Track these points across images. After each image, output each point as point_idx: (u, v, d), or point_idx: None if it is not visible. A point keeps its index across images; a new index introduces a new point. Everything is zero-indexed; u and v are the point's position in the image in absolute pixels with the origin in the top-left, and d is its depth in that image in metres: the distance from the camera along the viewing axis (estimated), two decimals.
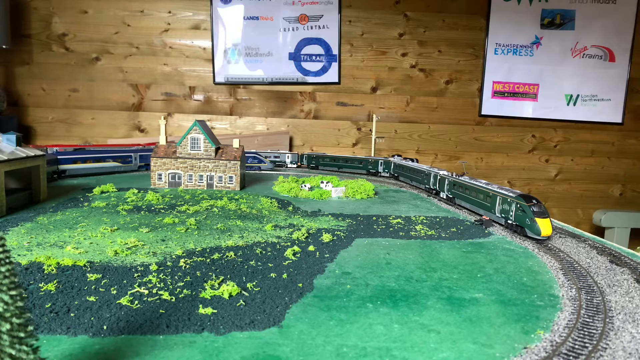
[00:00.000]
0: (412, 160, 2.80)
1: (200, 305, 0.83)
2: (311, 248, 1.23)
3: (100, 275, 0.97)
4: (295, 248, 1.19)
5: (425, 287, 0.99)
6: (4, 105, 3.33)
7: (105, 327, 0.75)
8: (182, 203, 1.79)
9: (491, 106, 3.66)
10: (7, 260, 0.50)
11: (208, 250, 1.19)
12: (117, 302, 0.84)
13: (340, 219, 1.63)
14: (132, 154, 2.76)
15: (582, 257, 1.23)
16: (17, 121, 3.40)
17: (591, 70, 3.59)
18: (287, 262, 1.11)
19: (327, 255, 1.19)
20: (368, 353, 0.71)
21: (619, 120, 3.66)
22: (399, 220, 1.63)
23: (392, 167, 2.79)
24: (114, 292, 0.89)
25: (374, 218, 1.66)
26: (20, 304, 0.50)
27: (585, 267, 1.14)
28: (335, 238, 1.35)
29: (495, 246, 1.34)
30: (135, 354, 0.68)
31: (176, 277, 0.98)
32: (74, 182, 2.30)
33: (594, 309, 0.88)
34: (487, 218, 1.62)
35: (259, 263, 1.10)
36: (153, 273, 1.00)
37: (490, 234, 1.49)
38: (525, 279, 1.07)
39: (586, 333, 0.77)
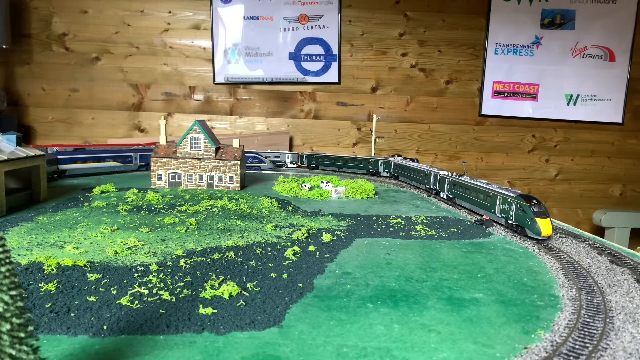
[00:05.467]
0: (412, 160, 2.80)
1: (201, 305, 0.83)
2: (311, 248, 1.23)
3: (100, 275, 0.97)
4: (296, 248, 1.19)
5: (425, 287, 0.99)
6: (4, 105, 3.33)
7: (105, 327, 0.75)
8: (182, 203, 1.79)
9: (491, 106, 3.66)
10: (7, 260, 0.50)
11: (208, 250, 1.19)
12: (117, 302, 0.84)
13: (340, 219, 1.63)
14: (132, 154, 2.76)
15: (582, 257, 1.23)
16: (17, 121, 3.40)
17: (591, 70, 3.59)
18: (287, 262, 1.11)
19: (327, 255, 1.19)
20: (368, 353, 0.71)
21: (619, 120, 3.66)
22: (399, 220, 1.63)
23: (392, 167, 2.79)
24: (114, 292, 0.89)
25: (374, 218, 1.66)
26: (20, 304, 0.50)
27: (585, 267, 1.14)
28: (335, 238, 1.35)
29: (495, 246, 1.34)
30: (136, 354, 0.68)
31: (176, 277, 0.98)
32: (74, 182, 2.30)
33: (594, 309, 0.87)
34: (487, 218, 1.62)
35: (259, 263, 1.10)
36: (153, 273, 1.00)
37: (490, 234, 1.49)
38: (526, 279, 1.07)
39: (586, 333, 0.77)
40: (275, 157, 3.22)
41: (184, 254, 1.14)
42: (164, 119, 2.33)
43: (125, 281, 0.95)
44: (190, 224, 1.42)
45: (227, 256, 1.13)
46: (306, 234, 1.36)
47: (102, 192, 1.95)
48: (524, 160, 3.75)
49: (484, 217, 1.65)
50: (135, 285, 0.92)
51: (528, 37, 3.58)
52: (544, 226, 1.34)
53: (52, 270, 0.98)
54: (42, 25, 3.47)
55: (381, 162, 2.89)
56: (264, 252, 1.19)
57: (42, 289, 0.89)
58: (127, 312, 0.80)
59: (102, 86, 3.56)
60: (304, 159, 3.27)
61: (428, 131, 3.71)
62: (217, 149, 2.21)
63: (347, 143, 3.70)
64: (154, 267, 1.03)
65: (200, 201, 1.82)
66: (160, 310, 0.82)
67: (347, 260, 1.16)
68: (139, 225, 1.42)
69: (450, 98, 3.68)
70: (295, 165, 3.25)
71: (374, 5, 3.58)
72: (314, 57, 3.59)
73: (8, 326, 0.49)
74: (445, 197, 2.05)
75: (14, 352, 0.49)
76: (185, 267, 1.05)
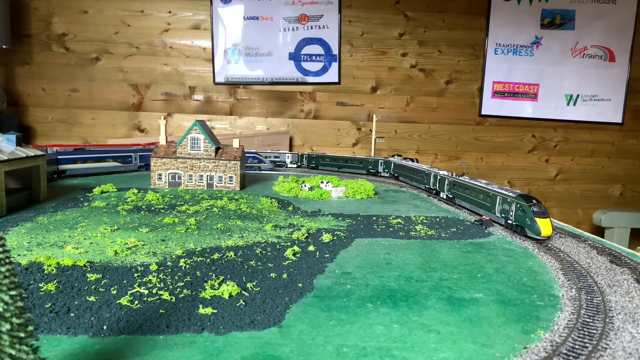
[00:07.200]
0: (412, 160, 2.80)
1: (200, 305, 0.83)
2: (311, 248, 1.23)
3: (100, 275, 0.97)
4: (295, 248, 1.19)
5: (425, 287, 0.99)
6: (4, 105, 3.33)
7: (105, 327, 0.75)
8: (182, 203, 1.79)
9: (491, 106, 3.66)
10: (7, 260, 0.50)
11: (208, 250, 1.19)
12: (117, 302, 0.84)
13: (340, 219, 1.63)
14: (132, 154, 2.76)
15: (582, 257, 1.23)
16: (17, 121, 3.40)
17: (591, 70, 3.59)
18: (287, 262, 1.11)
19: (327, 255, 1.19)
20: (368, 353, 0.71)
21: (619, 120, 3.66)
22: (399, 220, 1.63)
23: (392, 167, 2.79)
24: (114, 292, 0.89)
25: (374, 218, 1.66)
26: (20, 304, 0.50)
27: (585, 267, 1.14)
28: (335, 238, 1.35)
29: (495, 246, 1.34)
30: (135, 354, 0.68)
31: (176, 277, 0.98)
32: (74, 182, 2.30)
33: (594, 309, 0.87)
34: (487, 218, 1.62)
35: (259, 263, 1.10)
36: (153, 273, 1.00)
37: (490, 234, 1.49)
38: (525, 279, 1.07)
39: (586, 333, 0.77)
40: (275, 157, 3.22)
41: (184, 254, 1.14)
42: (164, 119, 2.33)
43: (125, 281, 0.95)
44: (190, 224, 1.42)
45: (227, 256, 1.13)
46: (306, 234, 1.36)
47: (102, 192, 1.95)
48: (524, 160, 3.75)
49: (483, 217, 1.65)
50: (135, 285, 0.92)
51: (528, 37, 3.58)
52: (544, 226, 1.34)
53: (52, 270, 0.98)
54: (42, 25, 3.47)
55: (381, 162, 2.89)
56: (263, 252, 1.19)
57: (42, 289, 0.89)
58: (127, 312, 0.81)
59: (102, 86, 3.56)
60: (304, 159, 3.27)
61: (428, 131, 3.71)
62: (217, 149, 2.21)
63: (347, 143, 3.70)
64: (154, 267, 1.03)
65: (200, 201, 1.83)
66: (160, 310, 0.82)
67: (347, 260, 1.16)
68: (139, 225, 1.42)
69: (450, 98, 3.68)
70: (295, 165, 3.25)
71: (374, 5, 3.58)
72: (314, 57, 3.59)
73: (8, 326, 0.49)
74: (445, 197, 2.05)
75: (14, 352, 0.49)
76: (185, 267, 1.05)
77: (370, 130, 3.31)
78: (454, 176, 1.99)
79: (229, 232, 1.38)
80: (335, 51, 3.59)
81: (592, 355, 0.70)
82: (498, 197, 1.57)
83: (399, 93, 3.67)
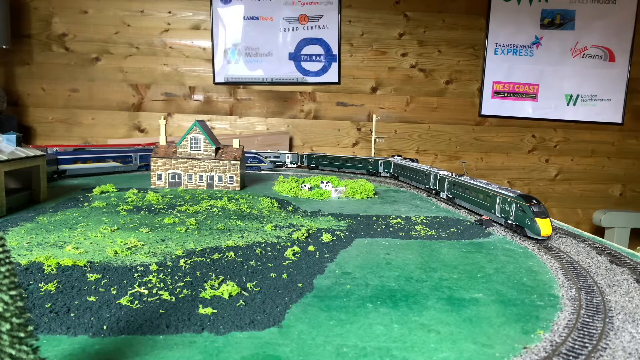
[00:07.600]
0: (412, 160, 2.80)
1: (200, 305, 0.83)
2: (311, 248, 1.23)
3: (100, 275, 0.97)
4: (295, 248, 1.19)
5: (425, 287, 0.99)
6: (4, 105, 3.33)
7: (105, 327, 0.75)
8: (182, 203, 1.79)
9: (491, 106, 3.66)
10: (7, 260, 0.50)
11: (208, 250, 1.19)
12: (117, 302, 0.84)
13: (340, 219, 1.63)
14: (132, 154, 2.76)
15: (582, 257, 1.23)
16: (17, 121, 3.40)
17: (591, 70, 3.59)
18: (287, 262, 1.11)
19: (327, 255, 1.19)
20: (368, 353, 0.71)
21: (619, 120, 3.66)
22: (399, 220, 1.63)
23: (392, 167, 2.79)
24: (114, 292, 0.89)
25: (374, 218, 1.66)
26: (20, 304, 0.50)
27: (585, 267, 1.14)
28: (335, 238, 1.35)
29: (495, 246, 1.34)
30: (135, 354, 0.68)
31: (176, 277, 0.98)
32: (74, 182, 2.30)
33: (594, 309, 0.88)
34: (487, 218, 1.62)
35: (259, 263, 1.10)
36: (153, 273, 1.00)
37: (490, 234, 1.49)
38: (525, 279, 1.07)
39: (586, 333, 0.77)
40: (275, 157, 3.22)
41: (184, 254, 1.14)
42: (164, 119, 2.33)
43: (125, 281, 0.95)
44: (190, 224, 1.42)
45: (227, 256, 1.13)
46: (306, 234, 1.36)
47: (102, 192, 1.95)
48: (523, 160, 3.75)
49: (483, 217, 1.65)
50: (135, 285, 0.92)
51: (528, 37, 3.58)
52: (544, 226, 1.34)
53: (52, 270, 0.98)
54: (42, 26, 3.47)
55: (381, 162, 2.89)
56: (263, 252, 1.19)
57: (42, 289, 0.89)
58: (127, 312, 0.81)
59: (102, 86, 3.56)
60: (303, 159, 3.27)
61: (428, 131, 3.71)
62: (217, 149, 2.21)
63: (347, 143, 3.70)
64: (153, 267, 1.03)
65: (200, 201, 1.83)
66: (160, 310, 0.82)
67: (347, 260, 1.16)
68: (138, 225, 1.42)
69: (450, 98, 3.68)
70: (295, 166, 3.25)
71: (374, 5, 3.58)
72: (313, 57, 3.59)
73: (8, 326, 0.49)
74: (445, 197, 2.05)
75: (13, 352, 0.49)
76: (185, 267, 1.05)
77: (370, 130, 3.31)
78: (454, 176, 1.99)
79: (229, 232, 1.38)
80: (335, 51, 3.59)
81: (592, 355, 0.70)
82: (498, 197, 1.57)
83: (399, 93, 3.67)
